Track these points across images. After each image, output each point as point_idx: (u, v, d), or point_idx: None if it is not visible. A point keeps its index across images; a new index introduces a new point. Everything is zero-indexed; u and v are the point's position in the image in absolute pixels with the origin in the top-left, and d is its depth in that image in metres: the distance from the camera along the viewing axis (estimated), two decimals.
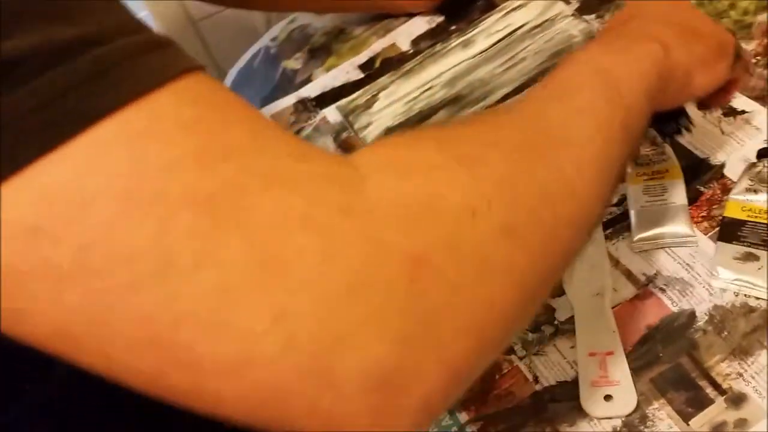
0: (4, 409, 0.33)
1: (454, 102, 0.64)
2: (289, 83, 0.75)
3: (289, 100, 0.72)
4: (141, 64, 0.23)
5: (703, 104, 0.53)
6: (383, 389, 0.24)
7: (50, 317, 0.22)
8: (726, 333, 0.46)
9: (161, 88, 0.23)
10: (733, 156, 0.53)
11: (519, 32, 0.67)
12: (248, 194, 0.23)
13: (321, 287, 0.23)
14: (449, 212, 0.26)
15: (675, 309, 0.48)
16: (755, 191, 0.50)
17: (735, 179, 0.52)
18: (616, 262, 0.51)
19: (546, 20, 0.67)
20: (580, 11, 0.67)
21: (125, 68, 0.22)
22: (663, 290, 0.49)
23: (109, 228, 0.21)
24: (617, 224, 0.53)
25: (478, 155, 0.29)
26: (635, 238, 0.51)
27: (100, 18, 0.23)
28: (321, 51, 0.77)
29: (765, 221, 0.49)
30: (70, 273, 0.21)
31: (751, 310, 0.46)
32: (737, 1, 0.59)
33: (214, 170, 0.23)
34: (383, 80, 0.69)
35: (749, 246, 0.48)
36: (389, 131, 0.64)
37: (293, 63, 0.77)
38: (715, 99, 0.51)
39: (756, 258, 0.48)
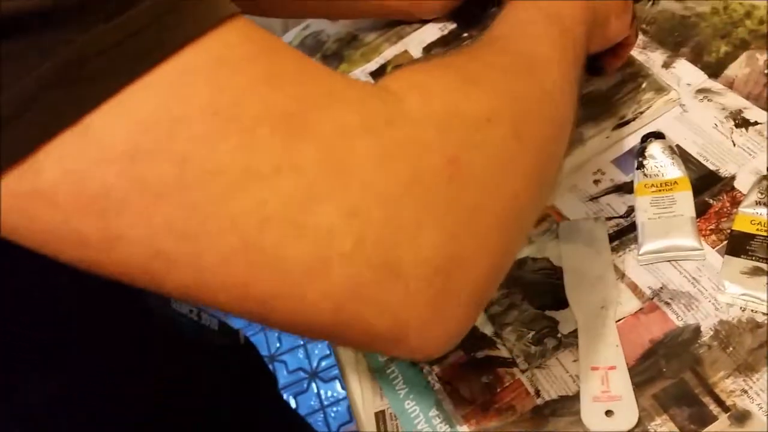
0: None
1: None
2: None
3: None
4: (203, 5, 0.25)
5: (599, 68, 0.58)
6: (441, 276, 0.27)
7: (145, 238, 0.24)
8: (731, 349, 0.45)
9: (223, 24, 0.25)
10: (744, 168, 0.52)
11: None
12: (314, 109, 0.26)
13: (381, 187, 0.26)
14: (470, 120, 0.30)
15: (680, 323, 0.47)
16: (765, 205, 0.49)
17: (745, 192, 0.51)
18: (621, 275, 0.51)
19: None
20: None
21: (192, 7, 0.25)
22: (668, 304, 0.48)
23: (198, 145, 0.23)
24: (624, 236, 0.52)
25: (482, 75, 0.34)
26: (641, 251, 0.50)
27: None
28: (333, 57, 0.77)
29: None
30: (164, 190, 0.23)
31: (758, 325, 0.46)
32: (753, 10, 0.58)
33: (283, 90, 0.26)
34: None
35: (757, 260, 0.47)
36: None
37: None
38: (610, 62, 0.58)
39: (764, 272, 0.47)
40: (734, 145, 0.54)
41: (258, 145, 0.24)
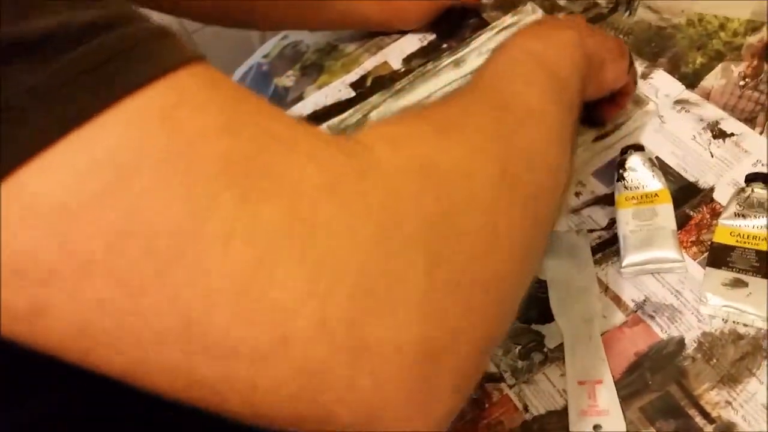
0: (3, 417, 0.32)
1: None
2: (280, 101, 0.75)
3: None
4: (161, 45, 0.23)
5: (597, 119, 0.58)
6: (420, 360, 0.23)
7: (73, 312, 0.21)
8: (715, 361, 0.46)
9: (183, 67, 0.23)
10: (723, 179, 0.53)
11: None
12: (274, 164, 0.23)
13: (348, 255, 0.23)
14: (447, 174, 0.27)
15: (664, 336, 0.48)
16: (744, 216, 0.50)
17: (724, 203, 0.52)
18: (605, 288, 0.51)
19: None
20: None
21: (147, 48, 0.23)
22: (652, 317, 0.49)
23: (135, 205, 0.21)
24: (606, 248, 0.53)
25: (461, 124, 0.32)
26: (624, 263, 0.51)
27: (116, 5, 0.24)
28: (313, 68, 0.76)
29: (753, 247, 0.49)
30: (93, 258, 0.20)
31: (740, 337, 0.47)
32: (727, 22, 0.59)
33: (241, 142, 0.23)
34: (374, 99, 0.68)
35: (738, 272, 0.48)
36: None
37: (285, 80, 0.77)
38: (608, 111, 0.57)
39: (744, 284, 0.48)
40: (712, 156, 0.55)
41: (207, 205, 0.21)
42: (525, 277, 0.31)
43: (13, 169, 0.20)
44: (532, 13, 0.69)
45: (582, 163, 0.58)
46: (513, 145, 0.32)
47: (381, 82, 0.71)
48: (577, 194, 0.57)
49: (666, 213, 0.52)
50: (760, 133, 0.54)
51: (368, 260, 0.23)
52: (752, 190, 0.50)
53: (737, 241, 0.50)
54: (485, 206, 0.28)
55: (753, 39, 0.57)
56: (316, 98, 0.73)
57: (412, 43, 0.74)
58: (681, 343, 0.47)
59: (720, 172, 0.54)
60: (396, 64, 0.72)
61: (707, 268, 0.49)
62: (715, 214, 0.52)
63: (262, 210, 0.22)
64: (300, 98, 0.74)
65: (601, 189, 0.56)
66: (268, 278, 0.21)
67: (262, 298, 0.21)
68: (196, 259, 0.21)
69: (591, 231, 0.54)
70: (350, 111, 0.69)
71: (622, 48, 0.52)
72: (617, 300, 0.50)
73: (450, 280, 0.25)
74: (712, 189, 0.53)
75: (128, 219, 0.21)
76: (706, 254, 0.50)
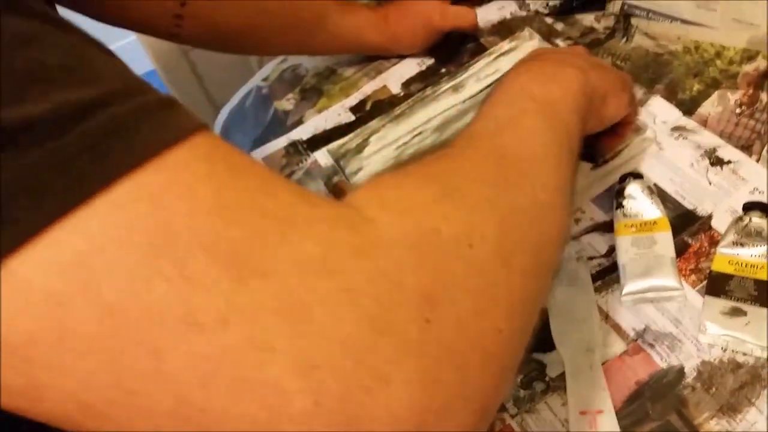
0: None
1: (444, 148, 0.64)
2: (280, 125, 0.75)
3: (280, 143, 0.73)
4: (154, 123, 0.23)
5: (597, 151, 0.58)
6: None
7: (70, 390, 0.22)
8: (714, 389, 0.46)
9: (175, 145, 0.23)
10: (720, 206, 0.54)
11: None
12: (268, 242, 0.23)
13: (345, 334, 0.23)
14: (449, 245, 0.28)
15: (664, 365, 0.48)
16: (742, 245, 0.50)
17: (722, 231, 0.52)
18: (605, 316, 0.51)
19: None
20: None
21: (139, 128, 0.23)
22: (652, 346, 0.49)
23: (128, 287, 0.21)
24: (606, 276, 0.53)
25: (463, 187, 0.32)
26: (624, 291, 0.51)
27: (109, 79, 0.24)
28: (312, 92, 0.77)
29: (751, 276, 0.49)
30: (92, 339, 0.21)
31: (739, 366, 0.47)
32: (723, 50, 0.60)
33: (237, 219, 0.23)
34: (374, 124, 0.69)
35: (736, 301, 0.49)
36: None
37: (285, 104, 0.77)
38: (608, 143, 0.57)
39: (743, 313, 0.48)
40: (710, 183, 0.55)
41: (201, 286, 0.22)
42: (525, 335, 0.31)
43: (4, 256, 0.20)
44: (529, 39, 0.69)
45: (581, 190, 0.58)
46: (515, 202, 0.33)
47: (380, 106, 0.72)
48: (577, 221, 0.57)
49: (665, 241, 0.52)
50: (757, 161, 0.55)
51: (362, 336, 0.23)
52: (750, 219, 0.50)
53: (735, 269, 0.50)
54: (484, 271, 0.28)
55: (749, 67, 0.58)
56: (316, 122, 0.73)
57: (410, 67, 0.74)
58: (681, 372, 0.47)
59: (718, 199, 0.54)
60: (395, 89, 0.73)
61: (706, 296, 0.50)
62: (714, 242, 0.52)
63: (256, 291, 0.22)
64: (300, 122, 0.74)
65: (601, 216, 0.57)
66: (263, 358, 0.22)
67: (257, 378, 0.22)
68: (189, 342, 0.21)
69: (591, 258, 0.55)
70: (350, 135, 0.69)
71: (624, 80, 0.52)
72: (618, 328, 0.51)
73: (445, 348, 0.25)
74: (710, 217, 0.54)
75: (120, 303, 0.21)
76: (704, 282, 0.51)
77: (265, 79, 0.81)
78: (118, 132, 0.22)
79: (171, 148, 0.23)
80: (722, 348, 0.48)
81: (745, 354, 0.47)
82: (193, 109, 0.25)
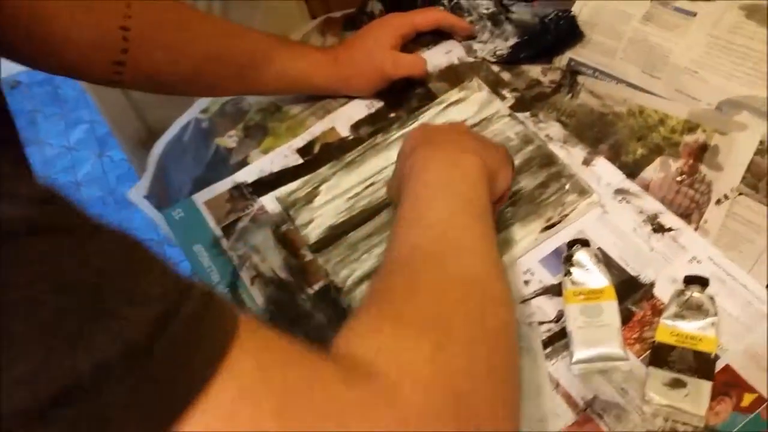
0: None
1: None
2: (223, 163, 0.73)
3: (224, 185, 0.70)
4: (207, 331, 0.26)
5: None
6: None
7: None
8: None
9: (231, 348, 0.26)
10: (662, 274, 0.57)
11: None
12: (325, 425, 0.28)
13: None
14: (468, 396, 0.34)
15: None
16: (683, 317, 0.53)
17: (663, 299, 0.55)
18: (556, 384, 0.53)
19: (483, 119, 0.68)
20: (515, 108, 0.69)
21: (198, 342, 0.25)
22: (600, 416, 0.51)
23: None
24: (556, 342, 0.55)
25: (452, 333, 0.36)
26: (574, 359, 0.53)
27: (156, 295, 0.25)
28: (257, 129, 0.75)
29: (691, 347, 0.52)
30: None
31: None
32: (666, 119, 0.62)
33: (293, 420, 0.27)
34: (324, 171, 0.68)
35: (677, 372, 0.52)
36: (332, 230, 0.63)
37: (227, 141, 0.75)
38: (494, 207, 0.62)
39: (683, 384, 0.51)
40: (652, 250, 0.58)
41: None
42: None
43: None
44: (478, 90, 0.70)
45: (530, 253, 0.60)
46: (493, 327, 0.39)
47: (329, 150, 0.71)
48: (526, 282, 0.59)
49: (611, 310, 0.55)
50: (695, 230, 0.58)
51: None
52: (691, 294, 0.53)
53: (677, 340, 0.53)
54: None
55: (689, 138, 0.61)
56: (262, 164, 0.71)
57: (359, 109, 0.73)
58: None
59: (659, 267, 0.57)
60: (344, 131, 0.72)
61: (649, 367, 0.52)
62: (656, 310, 0.55)
63: None
64: (244, 162, 0.72)
65: (549, 278, 0.59)
66: None
67: None
68: None
69: (541, 323, 0.56)
70: (299, 182, 0.68)
71: (507, 157, 0.57)
72: (567, 397, 0.52)
73: None
74: (652, 284, 0.56)
75: None
76: (648, 352, 0.53)
77: (204, 111, 0.78)
78: (179, 361, 0.24)
79: (228, 352, 0.26)
80: (664, 418, 0.51)
81: (684, 423, 0.50)
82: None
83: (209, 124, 0.77)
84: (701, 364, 0.51)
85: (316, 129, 0.73)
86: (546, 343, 0.55)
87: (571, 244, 0.58)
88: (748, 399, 0.51)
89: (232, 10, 0.86)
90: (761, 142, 0.56)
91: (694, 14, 0.61)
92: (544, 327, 0.56)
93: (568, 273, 0.56)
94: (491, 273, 0.43)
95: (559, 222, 0.60)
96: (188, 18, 0.62)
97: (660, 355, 0.52)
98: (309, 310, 0.60)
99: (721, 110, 0.59)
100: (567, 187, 0.62)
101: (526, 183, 0.63)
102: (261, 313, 0.61)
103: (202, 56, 0.61)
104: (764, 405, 0.50)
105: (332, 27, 0.85)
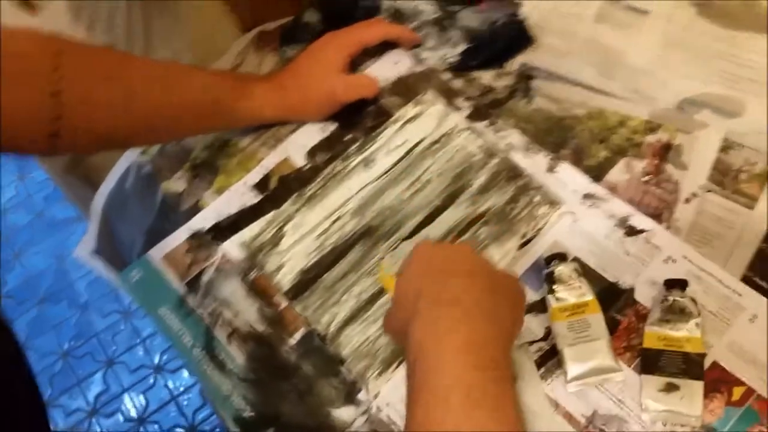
0: None
1: (367, 234, 0.62)
2: (173, 210, 0.69)
3: (180, 235, 0.66)
4: None
5: None
6: None
7: None
8: None
9: None
10: (641, 278, 0.57)
11: (418, 149, 0.66)
12: None
13: None
14: None
15: None
16: (668, 321, 0.54)
17: (645, 303, 0.56)
18: (555, 404, 0.54)
19: (443, 135, 0.66)
20: (472, 117, 0.67)
21: None
22: (603, 430, 0.52)
23: None
24: (548, 361, 0.55)
25: None
26: (569, 377, 0.54)
27: None
28: (205, 168, 0.71)
29: (680, 349, 0.53)
30: None
31: None
32: (626, 120, 0.62)
33: None
34: (287, 209, 0.65)
35: (669, 376, 0.53)
36: (305, 274, 0.61)
37: (175, 185, 0.70)
38: None
39: (677, 388, 0.52)
40: (627, 254, 0.59)
41: None
42: None
43: None
44: (433, 103, 0.68)
45: (508, 268, 0.59)
46: None
47: (287, 183, 0.68)
48: None
49: (597, 323, 0.55)
50: (667, 229, 0.59)
51: None
52: (674, 299, 0.54)
53: (665, 344, 0.54)
54: None
55: (652, 138, 0.61)
56: (218, 206, 0.67)
57: (312, 134, 0.70)
58: None
59: (637, 270, 0.58)
60: (300, 160, 0.69)
61: (642, 375, 0.53)
62: (640, 316, 0.56)
63: None
64: (197, 206, 0.68)
65: (531, 295, 0.58)
66: None
67: None
68: None
69: (531, 343, 0.56)
70: (262, 224, 0.65)
71: (521, 296, 0.51)
72: (568, 416, 0.53)
73: None
74: (632, 290, 0.57)
75: None
76: (638, 360, 0.54)
77: (143, 153, 0.73)
78: None
79: None
80: (663, 423, 0.52)
81: (683, 425, 0.52)
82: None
83: (152, 167, 0.72)
84: (691, 365, 0.53)
85: (269, 161, 0.69)
86: (539, 364, 0.55)
87: (549, 259, 0.58)
88: (738, 392, 0.53)
89: (156, 27, 0.81)
90: (725, 139, 0.57)
91: (647, 12, 0.60)
92: (534, 347, 0.56)
93: (551, 291, 0.56)
94: None
95: (534, 237, 0.60)
96: (128, 68, 0.57)
97: (650, 362, 0.53)
98: (295, 362, 0.58)
99: (682, 109, 0.60)
100: (536, 199, 0.61)
101: (496, 200, 0.62)
102: (244, 373, 0.58)
103: (146, 110, 0.57)
104: (754, 396, 0.52)
105: (268, 42, 0.81)
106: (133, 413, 1.59)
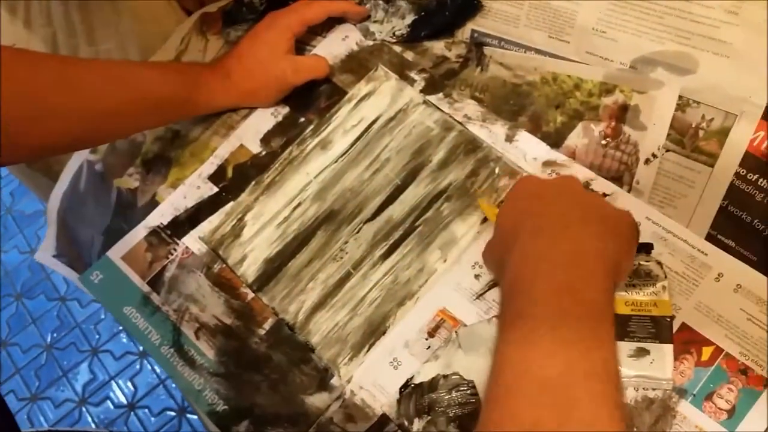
0: None
1: (329, 218, 0.61)
2: (130, 208, 0.67)
3: (138, 233, 0.65)
4: None
5: None
6: None
7: None
8: (635, 430, 0.51)
9: None
10: None
11: (375, 127, 0.64)
12: None
13: None
14: None
15: None
16: (634, 286, 0.54)
17: None
18: None
19: (399, 111, 0.65)
20: (426, 90, 0.65)
21: None
22: None
23: None
24: None
25: None
26: None
27: None
28: (158, 162, 0.68)
29: (647, 313, 0.54)
30: None
31: (651, 402, 0.52)
32: (581, 83, 0.61)
33: None
34: (245, 199, 0.63)
35: (639, 341, 0.53)
36: (269, 263, 0.60)
37: (128, 181, 0.68)
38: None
39: (647, 352, 0.53)
40: None
41: None
42: None
43: None
44: (386, 79, 0.66)
45: (474, 245, 0.59)
46: None
47: (243, 171, 0.66)
48: (477, 276, 0.58)
49: None
50: (628, 191, 0.58)
51: None
52: (639, 264, 0.54)
53: (633, 309, 0.54)
54: None
55: (608, 100, 0.60)
56: (174, 200, 0.66)
57: (265, 119, 0.68)
58: None
59: None
60: (254, 147, 0.67)
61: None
62: None
63: None
64: (153, 202, 0.66)
65: None
66: None
67: None
68: None
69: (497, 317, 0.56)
70: (221, 216, 0.63)
71: (634, 233, 0.50)
72: None
73: None
74: None
75: None
76: None
77: (94, 151, 0.71)
78: None
79: None
80: (634, 389, 0.52)
81: (654, 389, 0.52)
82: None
83: (103, 165, 0.70)
84: (660, 329, 0.53)
85: (223, 150, 0.67)
86: None
87: None
88: (706, 353, 0.53)
89: (96, 17, 0.77)
90: (680, 97, 0.56)
91: None
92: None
93: None
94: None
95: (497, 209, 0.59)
96: (77, 72, 0.54)
97: (620, 327, 0.53)
98: (265, 353, 0.58)
99: (636, 69, 0.58)
100: (497, 171, 0.60)
101: (456, 174, 0.61)
102: (215, 367, 0.58)
103: (95, 114, 0.55)
104: (722, 354, 0.52)
105: (211, 25, 0.78)
106: (123, 399, 1.59)
